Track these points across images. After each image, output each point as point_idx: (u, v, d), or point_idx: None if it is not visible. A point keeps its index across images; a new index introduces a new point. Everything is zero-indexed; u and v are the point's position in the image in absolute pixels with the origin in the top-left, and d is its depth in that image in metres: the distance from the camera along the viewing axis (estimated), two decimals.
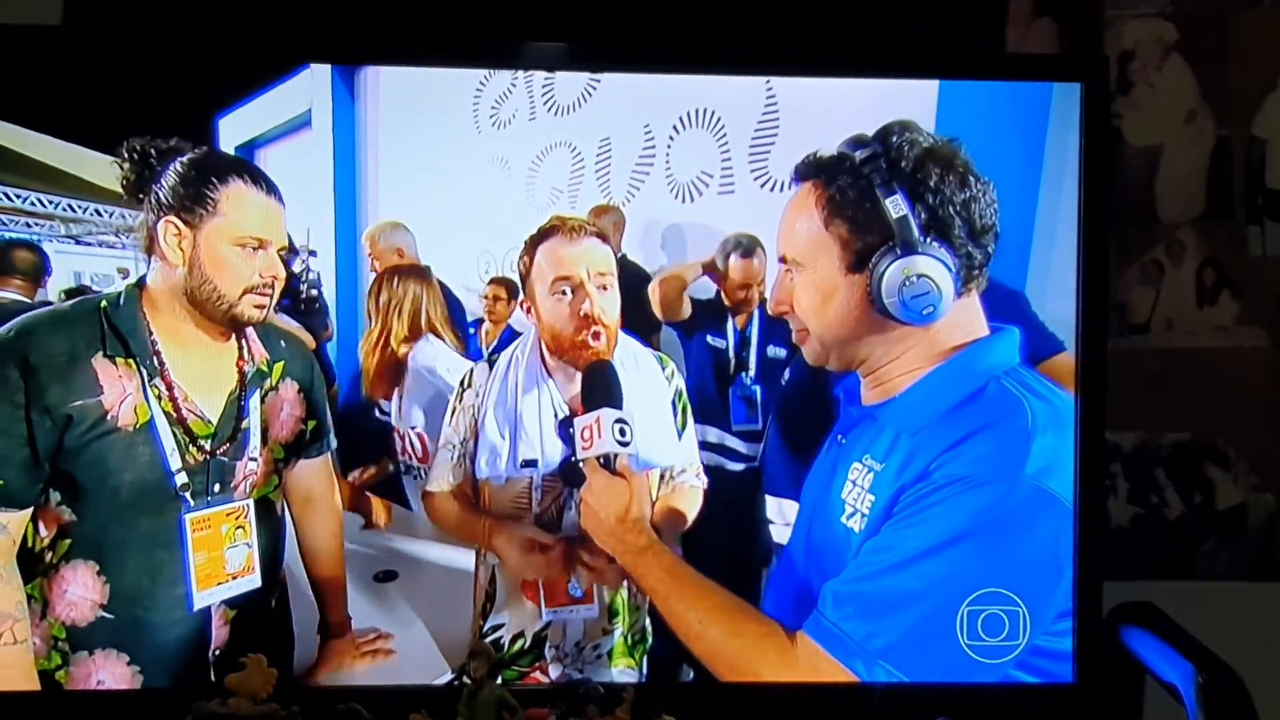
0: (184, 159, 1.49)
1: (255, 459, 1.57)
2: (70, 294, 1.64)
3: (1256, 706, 1.47)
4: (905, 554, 1.33)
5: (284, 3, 1.79)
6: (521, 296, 1.64)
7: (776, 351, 1.76)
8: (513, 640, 1.66)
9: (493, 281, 1.79)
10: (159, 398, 1.49)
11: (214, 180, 1.48)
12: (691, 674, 1.71)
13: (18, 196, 1.65)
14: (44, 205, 1.67)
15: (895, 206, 1.33)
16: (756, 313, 1.77)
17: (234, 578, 1.56)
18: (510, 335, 1.80)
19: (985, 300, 1.43)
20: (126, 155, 1.48)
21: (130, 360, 1.48)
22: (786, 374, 1.73)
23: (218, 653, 1.58)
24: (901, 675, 1.35)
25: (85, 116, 1.58)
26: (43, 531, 1.50)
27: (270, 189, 1.52)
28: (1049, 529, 1.35)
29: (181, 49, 1.64)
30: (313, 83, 1.69)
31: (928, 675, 1.38)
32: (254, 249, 1.50)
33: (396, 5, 1.79)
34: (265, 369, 1.58)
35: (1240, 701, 1.47)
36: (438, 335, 1.77)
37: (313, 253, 1.75)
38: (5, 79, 1.57)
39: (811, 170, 1.41)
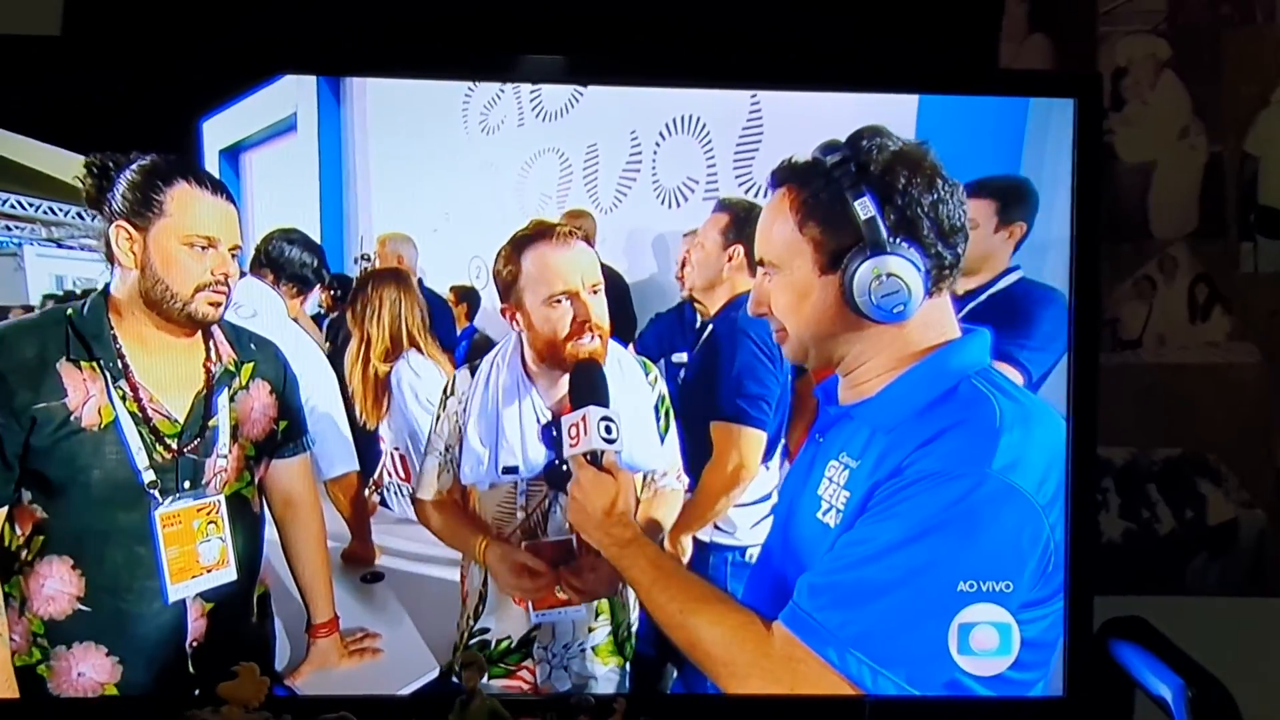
0: (133, 166, 1.52)
1: (225, 456, 1.58)
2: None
3: None
4: (878, 547, 1.34)
5: (271, 10, 1.80)
6: (505, 304, 1.62)
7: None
8: (499, 640, 1.67)
9: (451, 289, 1.80)
10: (124, 398, 1.51)
11: (159, 183, 1.51)
12: (675, 673, 1.72)
13: None
14: (24, 208, 1.67)
15: (864, 209, 1.35)
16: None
17: (208, 571, 1.58)
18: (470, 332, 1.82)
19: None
20: (87, 170, 1.52)
21: (94, 364, 1.51)
22: (683, 374, 1.76)
23: (195, 645, 1.58)
24: (872, 663, 1.35)
25: (67, 119, 1.59)
26: (18, 530, 1.52)
27: (218, 189, 1.54)
28: (1013, 521, 1.35)
29: (166, 56, 1.64)
30: (298, 86, 1.69)
31: (899, 663, 1.37)
32: (203, 248, 1.52)
33: (382, 15, 1.80)
34: (233, 369, 1.60)
35: (1230, 716, 1.47)
36: (418, 347, 1.75)
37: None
38: None
39: (787, 175, 1.42)
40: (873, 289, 1.35)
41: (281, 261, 1.71)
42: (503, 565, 1.64)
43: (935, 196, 1.36)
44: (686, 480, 1.71)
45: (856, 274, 1.36)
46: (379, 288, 1.74)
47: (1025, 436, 1.33)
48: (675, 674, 1.72)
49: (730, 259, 1.69)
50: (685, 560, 1.72)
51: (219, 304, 1.54)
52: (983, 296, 1.64)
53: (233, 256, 1.55)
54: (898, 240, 1.35)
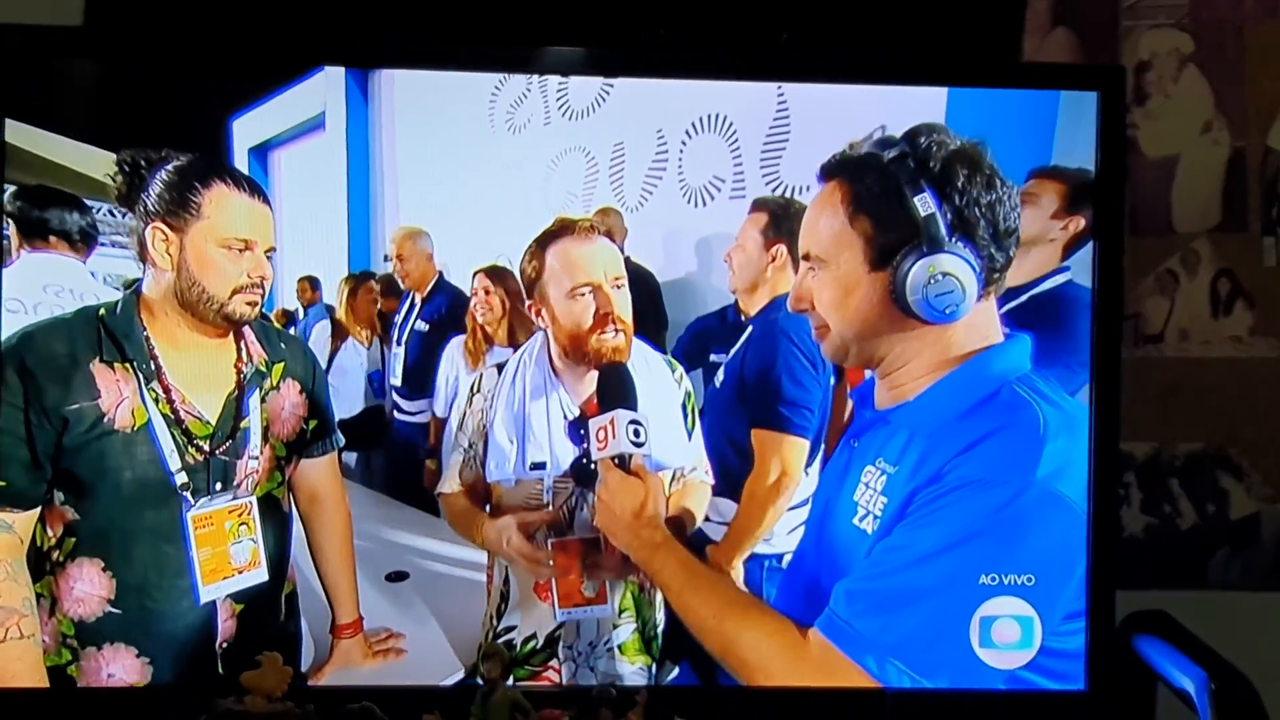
0: (169, 166, 1.52)
1: (256, 457, 1.59)
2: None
3: (1269, 716, 1.47)
4: (918, 553, 1.34)
5: (300, 5, 1.80)
6: (530, 300, 1.65)
7: None
8: (525, 641, 1.67)
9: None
10: (156, 400, 1.51)
11: (196, 184, 1.51)
12: (682, 671, 1.73)
13: None
14: None
15: (923, 204, 1.34)
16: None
17: (240, 572, 1.58)
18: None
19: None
20: (118, 167, 1.52)
21: (127, 364, 1.51)
22: (721, 374, 1.76)
23: (225, 645, 1.59)
24: (912, 672, 1.35)
25: (98, 116, 1.60)
26: (50, 531, 1.53)
27: (255, 191, 1.54)
28: (1059, 531, 1.35)
29: (196, 50, 1.65)
30: (326, 85, 1.70)
31: (939, 672, 1.37)
32: (240, 250, 1.52)
33: (411, 9, 1.81)
34: (264, 369, 1.60)
35: (1253, 707, 1.47)
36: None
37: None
38: (19, 78, 1.58)
39: (837, 169, 1.41)
40: (927, 288, 1.35)
41: (52, 224, 1.65)
42: (504, 535, 1.65)
43: (994, 197, 1.36)
44: (713, 476, 1.72)
45: (911, 271, 1.35)
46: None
47: (1070, 444, 1.33)
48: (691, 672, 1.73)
49: (773, 259, 1.69)
50: (739, 582, 1.72)
51: (256, 303, 1.55)
52: (1025, 296, 1.64)
53: (268, 258, 1.55)
54: (954, 239, 1.36)
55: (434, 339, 1.83)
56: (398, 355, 1.86)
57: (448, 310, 1.82)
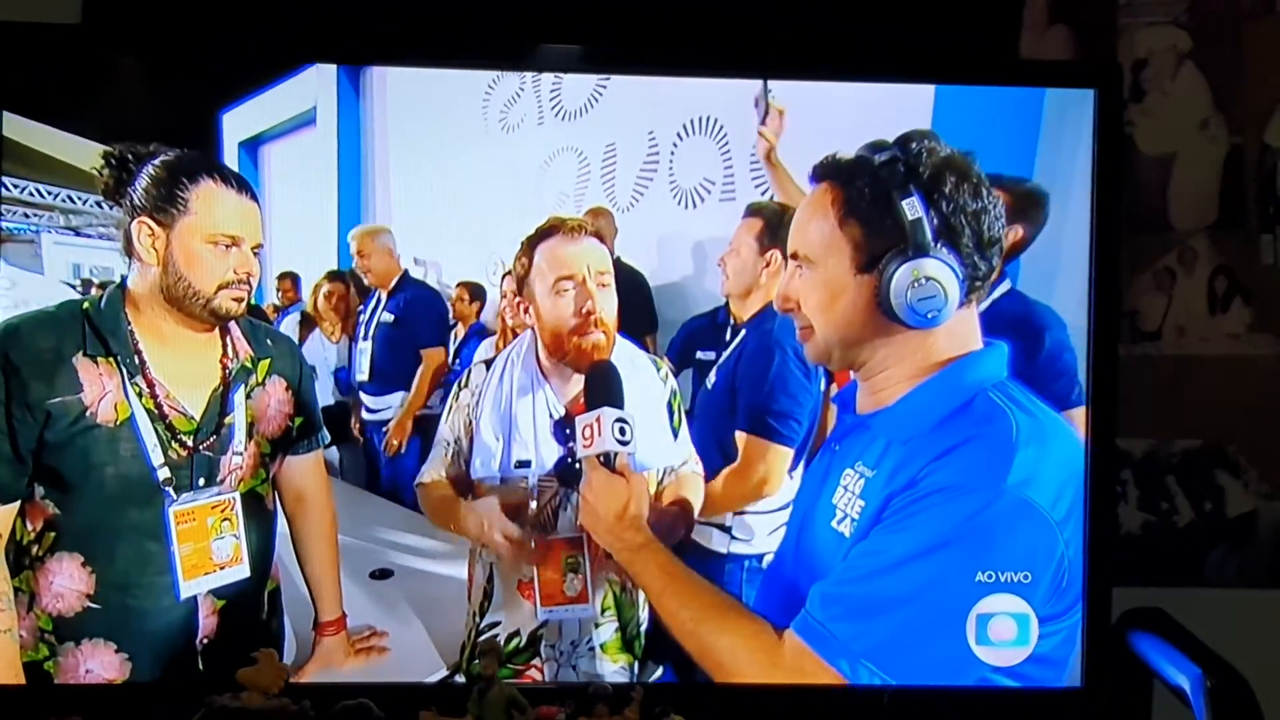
0: (156, 161, 1.52)
1: (240, 453, 1.58)
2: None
3: (1265, 714, 1.47)
4: (892, 558, 1.35)
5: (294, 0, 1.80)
6: (519, 297, 1.65)
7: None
8: (508, 639, 1.67)
9: (459, 284, 1.83)
10: (140, 395, 1.51)
11: (184, 180, 1.51)
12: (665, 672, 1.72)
13: (16, 187, 1.63)
14: (43, 196, 1.65)
15: (911, 209, 1.35)
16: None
17: (221, 568, 1.58)
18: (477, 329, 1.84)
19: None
20: (105, 161, 1.52)
21: (111, 359, 1.50)
22: (713, 377, 1.77)
23: (205, 642, 1.59)
24: (884, 675, 1.36)
25: (89, 108, 1.60)
26: (30, 525, 1.52)
27: (242, 188, 1.54)
28: (1027, 537, 1.37)
29: (188, 44, 1.66)
30: (318, 80, 1.70)
31: (909, 676, 1.39)
32: (226, 246, 1.52)
33: (404, 6, 1.80)
34: (250, 365, 1.59)
35: (1248, 705, 1.47)
36: None
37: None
38: (11, 72, 1.59)
39: (830, 171, 1.43)
40: (910, 291, 1.36)
41: None
42: (486, 519, 1.64)
43: (979, 206, 1.38)
44: (703, 468, 1.72)
45: (895, 275, 1.36)
46: None
47: (1041, 452, 1.34)
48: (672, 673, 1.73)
49: (768, 264, 1.70)
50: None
51: (242, 299, 1.55)
52: (986, 304, 1.61)
53: (255, 255, 1.55)
54: (939, 245, 1.37)
55: (400, 334, 1.84)
56: (364, 350, 1.86)
57: (415, 305, 1.83)
